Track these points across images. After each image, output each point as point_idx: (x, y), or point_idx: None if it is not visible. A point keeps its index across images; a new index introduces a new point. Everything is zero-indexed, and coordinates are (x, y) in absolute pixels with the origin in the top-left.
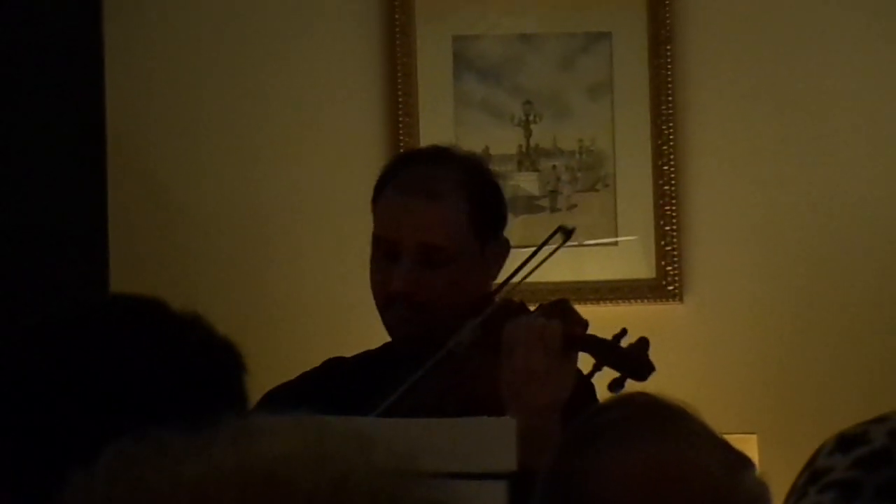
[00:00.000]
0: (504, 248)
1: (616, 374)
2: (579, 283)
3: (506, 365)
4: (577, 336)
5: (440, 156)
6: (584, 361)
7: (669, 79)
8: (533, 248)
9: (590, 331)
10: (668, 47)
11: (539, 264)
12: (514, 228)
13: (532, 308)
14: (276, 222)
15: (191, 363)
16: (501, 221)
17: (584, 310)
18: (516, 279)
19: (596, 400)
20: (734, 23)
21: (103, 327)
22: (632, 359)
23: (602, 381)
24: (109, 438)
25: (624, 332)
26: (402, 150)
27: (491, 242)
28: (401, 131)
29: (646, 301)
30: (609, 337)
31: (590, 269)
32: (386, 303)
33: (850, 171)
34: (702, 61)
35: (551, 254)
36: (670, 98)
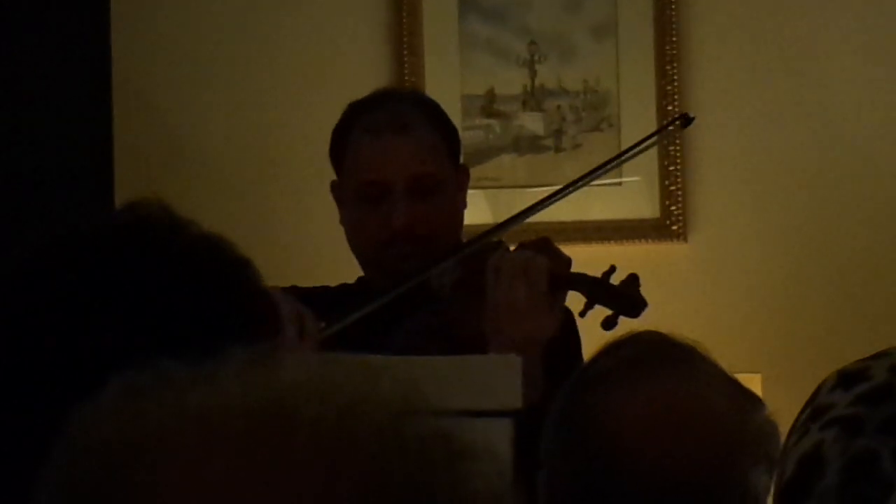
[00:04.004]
0: (467, 174)
1: (608, 312)
2: (583, 222)
3: (489, 299)
4: (563, 274)
5: (393, 95)
6: (577, 301)
7: (674, 19)
8: (535, 191)
9: (592, 270)
10: None
11: (650, 145)
12: (519, 168)
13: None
14: (282, 162)
15: (203, 289)
16: (460, 145)
17: (587, 249)
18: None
19: (577, 340)
20: None
21: (110, 248)
22: (623, 295)
23: (595, 320)
24: (114, 369)
25: (613, 268)
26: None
27: (459, 167)
28: (406, 72)
29: (649, 241)
30: (598, 275)
31: (593, 209)
32: (385, 244)
33: (853, 111)
34: (706, 2)
35: (663, 136)
36: (674, 39)
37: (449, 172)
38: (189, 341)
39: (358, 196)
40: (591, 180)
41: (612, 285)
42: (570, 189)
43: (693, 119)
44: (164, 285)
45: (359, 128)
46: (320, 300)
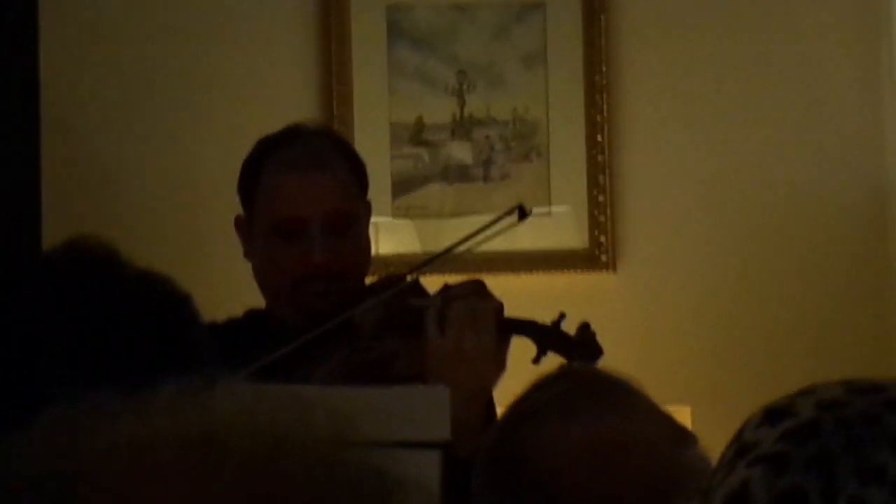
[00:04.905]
0: (371, 209)
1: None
2: (512, 252)
3: (431, 346)
4: (510, 320)
5: (305, 130)
6: (529, 349)
7: (603, 49)
8: (463, 220)
9: (521, 301)
10: (602, 17)
11: (484, 238)
12: (448, 197)
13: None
14: (212, 193)
15: (137, 320)
16: (367, 182)
17: (516, 280)
18: (462, 248)
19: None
20: None
21: (49, 282)
22: (577, 343)
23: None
24: (49, 400)
25: (563, 315)
26: (334, 120)
27: (367, 203)
28: (335, 100)
29: (579, 271)
30: (548, 322)
31: (523, 239)
32: (301, 280)
33: (784, 142)
34: (635, 32)
35: (501, 231)
36: (604, 68)
37: (361, 208)
38: (125, 374)
39: (272, 231)
40: (440, 256)
41: (565, 333)
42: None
43: (529, 213)
44: (101, 319)
45: (273, 163)
46: (224, 335)
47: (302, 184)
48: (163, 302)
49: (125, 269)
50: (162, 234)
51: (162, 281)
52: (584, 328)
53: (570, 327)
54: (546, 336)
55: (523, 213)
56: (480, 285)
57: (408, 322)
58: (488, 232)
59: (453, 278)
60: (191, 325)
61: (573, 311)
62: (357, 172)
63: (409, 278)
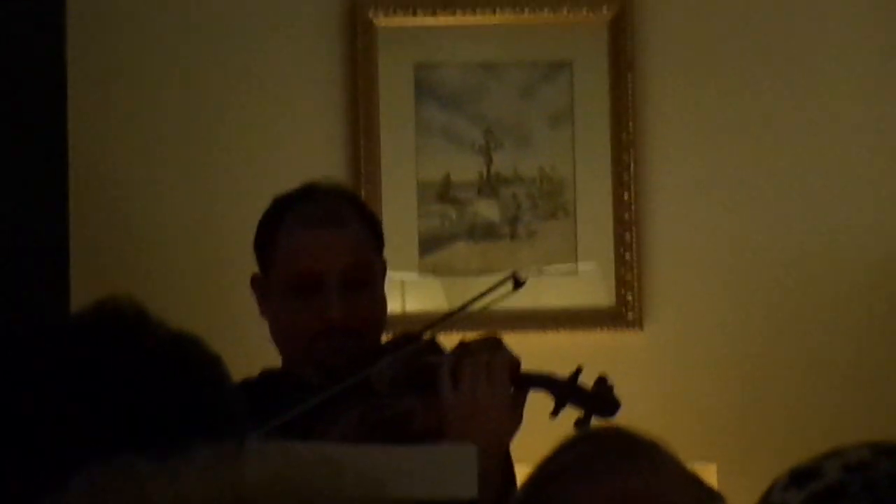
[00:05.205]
0: (385, 266)
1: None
2: (538, 310)
3: (448, 402)
4: (526, 374)
5: (321, 188)
6: (547, 403)
7: (630, 107)
8: (490, 277)
9: (547, 358)
10: (629, 76)
11: (481, 306)
12: (474, 255)
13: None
14: (239, 247)
15: (169, 383)
16: (383, 239)
17: (542, 338)
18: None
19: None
20: (694, 52)
21: (81, 343)
22: (595, 396)
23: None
24: (81, 464)
25: (580, 369)
26: (362, 178)
27: (383, 259)
28: (362, 157)
29: (605, 329)
30: (566, 374)
31: (549, 297)
32: (317, 336)
33: (812, 199)
34: (662, 90)
35: (497, 299)
36: (630, 126)
37: (377, 265)
38: (157, 437)
39: (289, 288)
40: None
41: (582, 387)
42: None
43: (524, 282)
44: (132, 381)
45: (289, 220)
46: (253, 392)
47: (318, 239)
48: (194, 364)
49: (156, 330)
50: (188, 292)
51: (193, 342)
52: (601, 382)
53: (589, 381)
54: (563, 389)
55: (518, 283)
56: (496, 341)
57: (424, 379)
58: (484, 300)
59: (475, 336)
60: (222, 388)
61: (599, 368)
62: (373, 229)
63: (425, 336)
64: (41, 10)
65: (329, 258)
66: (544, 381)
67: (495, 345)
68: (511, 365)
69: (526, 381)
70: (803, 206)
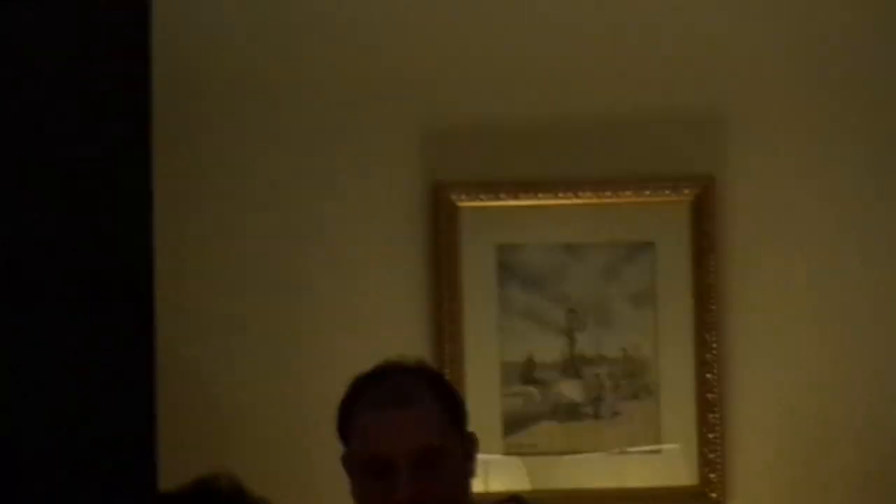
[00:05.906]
0: (475, 442)
1: None
2: (622, 489)
3: None
4: None
5: (395, 368)
6: None
7: (712, 287)
8: (574, 458)
9: None
10: (711, 256)
11: None
12: (558, 435)
13: None
14: (325, 429)
15: None
16: (466, 414)
17: None
18: None
19: None
20: (776, 232)
21: None
22: None
23: None
24: None
25: None
26: (445, 358)
27: (465, 435)
28: (446, 338)
29: None
30: None
31: (631, 476)
32: None
33: (891, 358)
34: (744, 269)
35: None
36: (713, 306)
37: (454, 442)
38: None
39: (364, 469)
40: None
41: None
42: None
43: None
44: None
45: (362, 403)
46: None
47: (387, 422)
48: None
49: None
50: (275, 468)
51: None
52: None
53: None
54: None
55: None
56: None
57: None
58: None
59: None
60: None
61: None
62: (449, 406)
63: None
64: (126, 168)
65: (397, 440)
66: None
67: None
68: None
69: None
70: (891, 386)
